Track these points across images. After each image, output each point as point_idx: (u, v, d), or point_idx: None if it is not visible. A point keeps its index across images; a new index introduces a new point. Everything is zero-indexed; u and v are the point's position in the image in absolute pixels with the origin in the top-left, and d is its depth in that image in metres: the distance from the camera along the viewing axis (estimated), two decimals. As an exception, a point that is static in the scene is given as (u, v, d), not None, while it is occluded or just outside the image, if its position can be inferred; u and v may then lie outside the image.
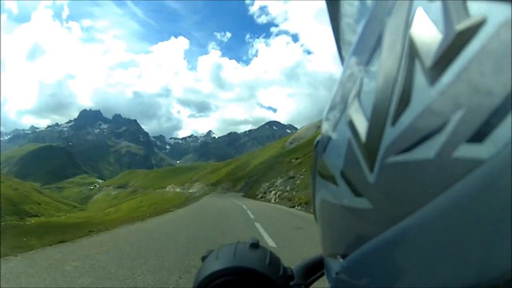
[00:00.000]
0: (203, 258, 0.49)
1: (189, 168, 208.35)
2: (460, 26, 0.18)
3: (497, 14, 0.16)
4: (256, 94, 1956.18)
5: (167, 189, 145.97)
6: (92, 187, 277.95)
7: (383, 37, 0.27)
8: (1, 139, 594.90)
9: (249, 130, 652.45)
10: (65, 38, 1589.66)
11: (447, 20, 0.19)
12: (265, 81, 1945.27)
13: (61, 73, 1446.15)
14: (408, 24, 0.23)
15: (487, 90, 0.16)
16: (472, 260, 0.16)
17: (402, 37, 0.24)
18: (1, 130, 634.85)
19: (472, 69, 0.17)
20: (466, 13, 0.18)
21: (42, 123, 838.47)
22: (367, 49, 0.31)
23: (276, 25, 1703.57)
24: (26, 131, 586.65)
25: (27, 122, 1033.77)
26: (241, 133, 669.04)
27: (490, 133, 0.15)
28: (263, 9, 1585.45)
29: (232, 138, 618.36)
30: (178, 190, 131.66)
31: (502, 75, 0.15)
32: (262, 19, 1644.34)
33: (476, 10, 0.17)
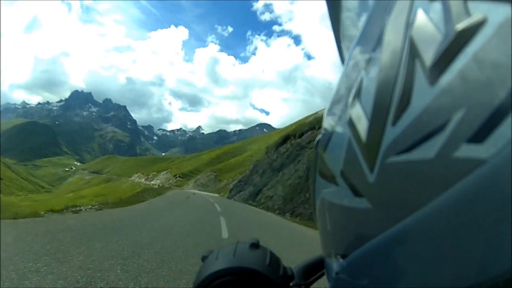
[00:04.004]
0: (203, 258, 0.49)
1: (172, 159, 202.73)
2: (460, 25, 0.18)
3: (497, 14, 0.16)
4: (250, 94, 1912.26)
5: (132, 178, 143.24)
6: (68, 169, 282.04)
7: (383, 36, 0.27)
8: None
9: (239, 130, 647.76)
10: (64, 15, 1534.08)
11: (448, 19, 0.19)
12: (261, 82, 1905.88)
13: (56, 50, 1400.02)
14: (408, 24, 0.23)
15: (487, 90, 0.16)
16: (472, 260, 0.16)
17: (402, 37, 0.24)
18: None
19: (472, 68, 0.17)
20: (466, 12, 0.18)
21: (34, 99, 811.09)
22: (367, 49, 0.31)
23: (280, 24, 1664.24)
24: (17, 106, 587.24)
25: (19, 96, 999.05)
26: (231, 131, 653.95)
27: (490, 133, 0.16)
28: (268, 7, 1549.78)
29: (221, 136, 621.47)
30: (142, 180, 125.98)
31: (502, 75, 0.15)
32: (266, 17, 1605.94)
33: (476, 10, 0.17)
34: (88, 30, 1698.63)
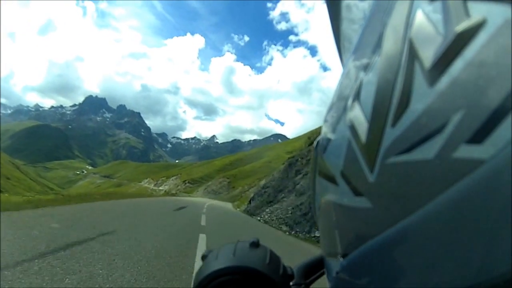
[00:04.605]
0: (203, 258, 0.48)
1: (183, 166, 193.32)
2: (460, 27, 0.18)
3: (497, 15, 0.16)
4: (265, 104, 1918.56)
5: (141, 183, 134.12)
6: (79, 172, 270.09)
7: (383, 38, 0.27)
8: (4, 112, 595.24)
9: (254, 140, 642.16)
10: (79, 19, 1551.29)
11: (447, 21, 0.19)
12: (276, 93, 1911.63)
13: (70, 54, 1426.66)
14: (408, 25, 0.23)
15: (486, 91, 0.16)
16: (472, 260, 0.16)
17: (402, 38, 0.24)
18: (5, 103, 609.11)
19: (472, 70, 0.17)
20: (466, 14, 0.18)
21: (47, 102, 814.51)
22: (367, 50, 0.31)
23: (296, 34, 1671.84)
24: (30, 108, 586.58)
25: (32, 99, 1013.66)
26: (245, 141, 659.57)
27: (490, 133, 0.15)
28: (284, 16, 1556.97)
29: (235, 146, 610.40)
30: (151, 186, 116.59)
31: (502, 76, 0.15)
32: (282, 26, 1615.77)
33: (476, 11, 0.17)
34: (103, 35, 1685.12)
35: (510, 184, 0.14)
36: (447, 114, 0.18)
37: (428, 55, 0.20)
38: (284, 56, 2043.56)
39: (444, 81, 0.19)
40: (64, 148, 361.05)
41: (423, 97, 0.20)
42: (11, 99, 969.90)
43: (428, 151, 0.19)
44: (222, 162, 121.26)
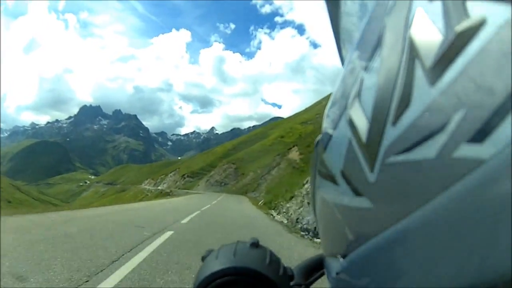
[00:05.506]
0: (203, 258, 0.48)
1: (184, 161, 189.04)
2: (460, 26, 0.18)
3: (497, 14, 0.16)
4: (260, 89, 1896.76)
5: (142, 185, 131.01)
6: (82, 184, 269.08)
7: (383, 37, 0.27)
8: (1, 135, 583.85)
9: (253, 126, 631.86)
10: (61, 32, 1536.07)
11: (447, 20, 0.19)
12: (269, 76, 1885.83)
13: (59, 67, 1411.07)
14: (408, 25, 0.23)
15: (487, 90, 0.16)
16: (472, 260, 0.16)
17: (402, 38, 0.24)
18: (1, 127, 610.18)
19: (472, 69, 0.17)
20: (465, 13, 0.18)
21: (42, 119, 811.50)
22: (367, 49, 0.31)
23: (281, 15, 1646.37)
24: (26, 128, 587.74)
25: (27, 118, 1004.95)
26: (245, 128, 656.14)
27: (490, 133, 0.16)
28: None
29: (235, 134, 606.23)
30: (149, 187, 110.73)
31: (502, 75, 0.15)
32: (266, 9, 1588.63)
33: (476, 10, 0.17)
34: (88, 44, 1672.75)
35: (510, 184, 0.14)
36: (448, 113, 0.18)
37: (428, 54, 0.20)
38: (272, 39, 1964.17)
39: (445, 80, 0.19)
40: (64, 161, 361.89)
41: (424, 96, 0.20)
42: (6, 122, 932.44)
43: (428, 150, 0.19)
44: (224, 148, 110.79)
